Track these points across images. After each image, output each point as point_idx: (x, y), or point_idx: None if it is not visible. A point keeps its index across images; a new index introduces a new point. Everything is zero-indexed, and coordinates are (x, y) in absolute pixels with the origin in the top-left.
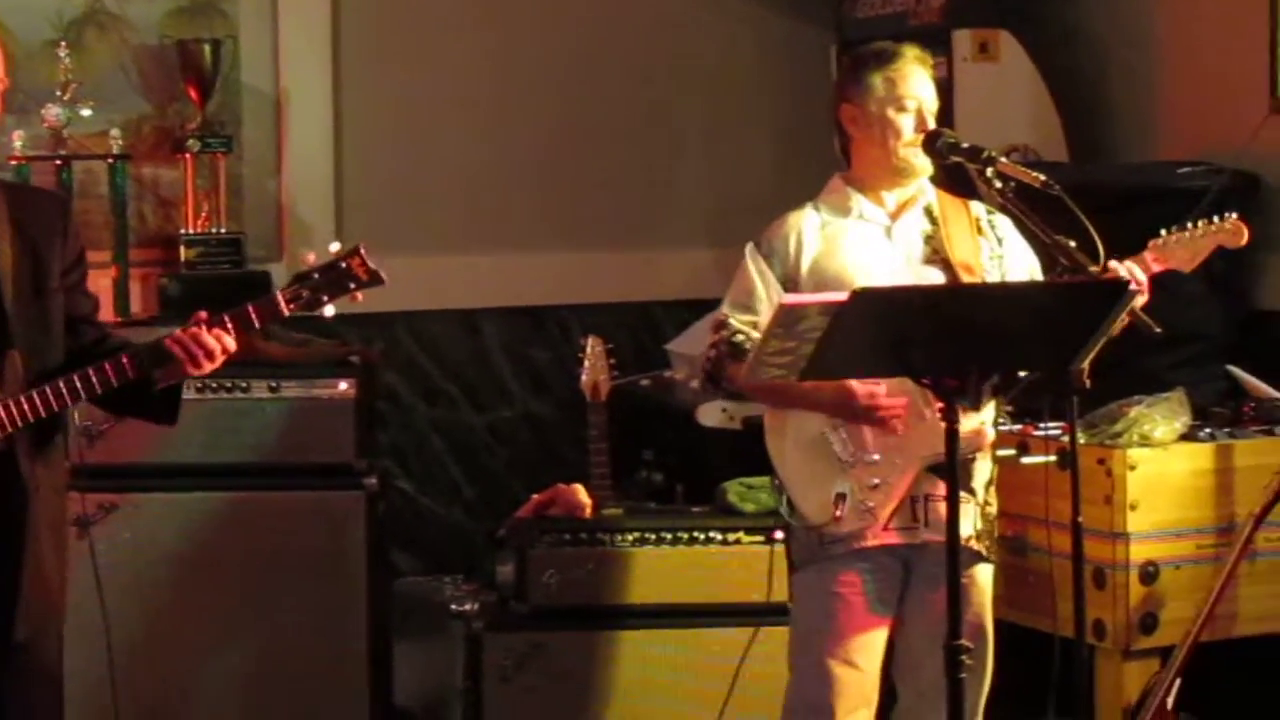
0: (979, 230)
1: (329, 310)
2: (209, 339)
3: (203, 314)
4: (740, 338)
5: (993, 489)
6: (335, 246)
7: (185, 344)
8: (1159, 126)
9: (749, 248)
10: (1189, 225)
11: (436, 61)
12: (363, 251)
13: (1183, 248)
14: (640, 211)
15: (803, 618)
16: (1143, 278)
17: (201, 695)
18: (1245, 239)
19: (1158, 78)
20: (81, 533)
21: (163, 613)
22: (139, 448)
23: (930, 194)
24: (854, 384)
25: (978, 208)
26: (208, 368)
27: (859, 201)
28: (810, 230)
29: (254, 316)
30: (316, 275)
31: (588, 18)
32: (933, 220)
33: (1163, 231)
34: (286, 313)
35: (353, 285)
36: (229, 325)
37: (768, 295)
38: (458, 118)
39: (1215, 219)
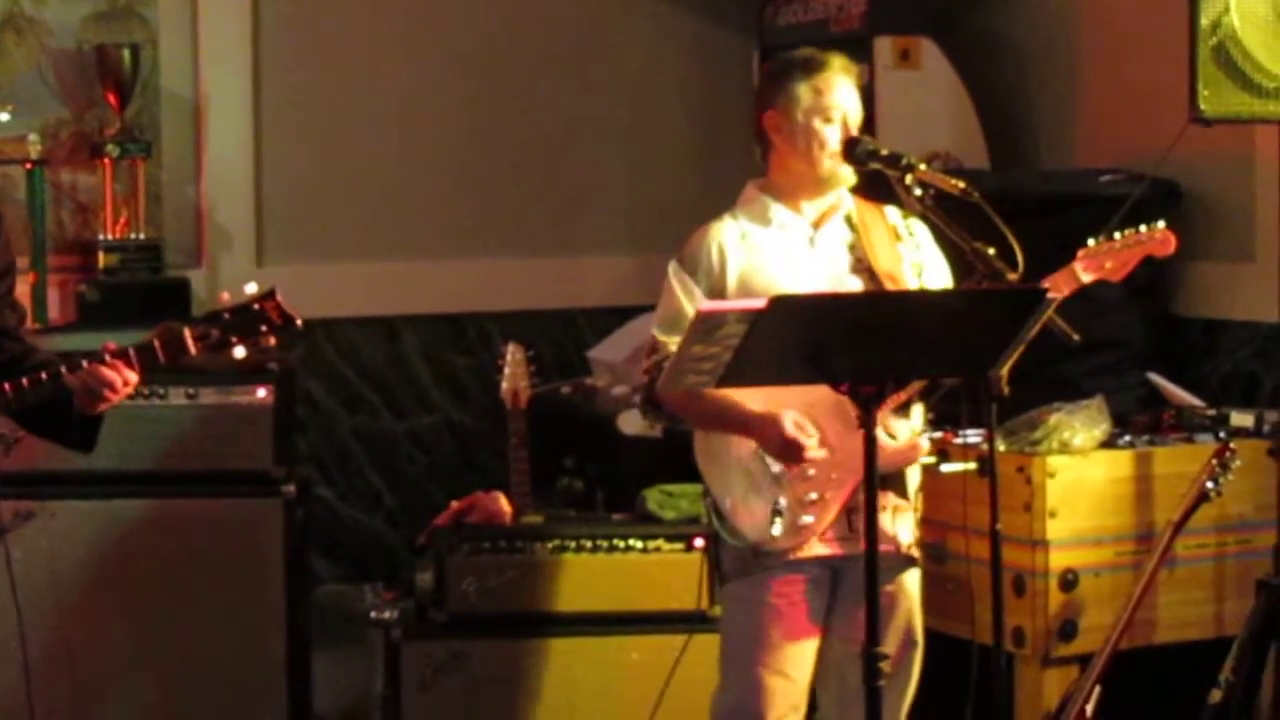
0: (897, 237)
1: (239, 352)
2: (109, 374)
3: (110, 344)
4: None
5: (920, 495)
6: (252, 288)
7: (85, 380)
8: (1080, 134)
9: (672, 266)
10: (1116, 235)
11: (356, 68)
12: (279, 296)
13: (1111, 257)
14: (561, 218)
15: (734, 629)
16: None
17: (118, 704)
18: (1173, 247)
19: (1079, 85)
20: None
21: (80, 620)
22: (55, 455)
23: (849, 202)
24: (785, 417)
25: (893, 215)
26: (113, 400)
27: (778, 210)
28: (731, 241)
29: (160, 353)
30: (228, 315)
31: (507, 24)
32: (853, 229)
33: (1090, 241)
34: (194, 352)
35: (265, 328)
36: (133, 359)
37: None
38: (377, 124)
39: (1143, 228)
